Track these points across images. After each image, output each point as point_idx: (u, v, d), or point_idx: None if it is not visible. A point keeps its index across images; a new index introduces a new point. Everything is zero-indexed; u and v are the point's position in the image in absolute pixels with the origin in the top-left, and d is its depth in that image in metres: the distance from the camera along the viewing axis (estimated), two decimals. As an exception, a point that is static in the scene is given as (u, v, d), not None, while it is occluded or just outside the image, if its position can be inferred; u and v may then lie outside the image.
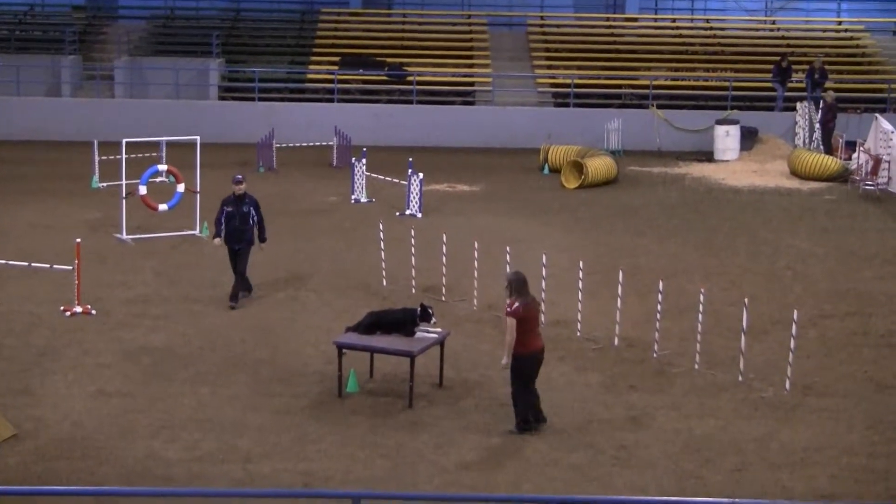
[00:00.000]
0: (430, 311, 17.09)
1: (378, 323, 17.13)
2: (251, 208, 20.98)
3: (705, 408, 16.72)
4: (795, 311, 17.67)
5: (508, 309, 15.34)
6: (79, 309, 20.51)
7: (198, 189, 26.60)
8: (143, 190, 25.71)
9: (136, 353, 18.54)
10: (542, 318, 19.80)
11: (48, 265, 21.58)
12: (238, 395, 16.91)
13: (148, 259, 24.34)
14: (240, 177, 21.31)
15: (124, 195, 25.91)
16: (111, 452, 14.85)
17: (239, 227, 20.86)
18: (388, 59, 43.60)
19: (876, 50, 45.84)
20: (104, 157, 31.66)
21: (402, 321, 17.01)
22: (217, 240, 21.27)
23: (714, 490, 13.89)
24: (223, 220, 20.92)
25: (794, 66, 42.10)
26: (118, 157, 26.79)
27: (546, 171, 36.06)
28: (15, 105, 40.37)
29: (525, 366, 15.40)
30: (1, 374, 17.47)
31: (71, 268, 20.81)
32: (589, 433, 15.77)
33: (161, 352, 18.69)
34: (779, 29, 47.22)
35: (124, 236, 25.75)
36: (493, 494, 13.79)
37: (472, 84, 43.58)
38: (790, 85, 41.70)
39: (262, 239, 21.33)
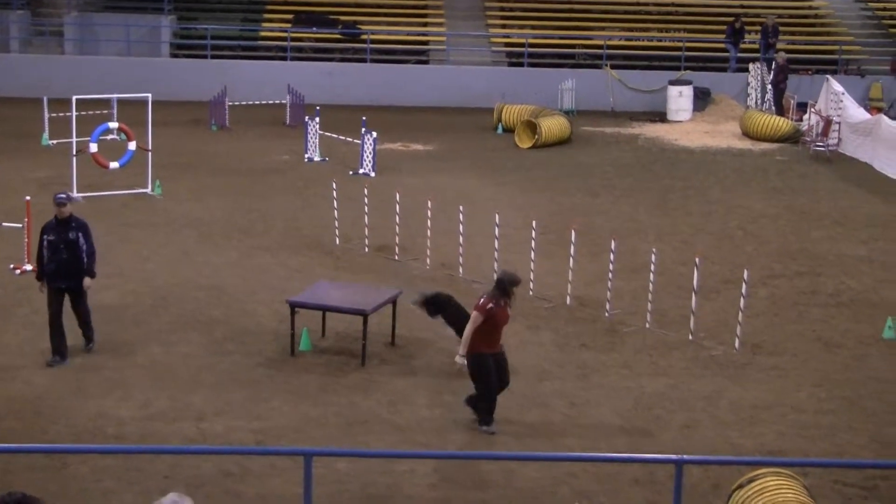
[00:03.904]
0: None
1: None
2: (79, 234, 16.13)
3: (656, 366, 16.91)
4: (746, 271, 17.84)
5: (478, 303, 14.48)
6: (29, 267, 20.29)
7: (150, 147, 26.49)
8: (94, 147, 25.61)
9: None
10: (495, 275, 19.92)
11: (-2, 222, 21.46)
12: (191, 354, 16.91)
13: (99, 217, 24.15)
14: (62, 196, 16.37)
15: (75, 153, 25.74)
16: (63, 411, 14.82)
17: (67, 259, 16.06)
18: (342, 17, 43.42)
19: (828, 11, 46.03)
20: (54, 115, 31.34)
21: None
22: (41, 283, 16.54)
23: (664, 447, 14.03)
24: (46, 254, 16.18)
25: (746, 28, 42.25)
26: (69, 114, 26.54)
27: (500, 130, 36.12)
28: (-37, 61, 40.03)
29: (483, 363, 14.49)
30: (-49, 332, 17.41)
31: (21, 226, 20.69)
32: (541, 391, 15.89)
33: (112, 310, 18.55)
34: (732, -10, 47.34)
35: (75, 194, 25.55)
36: (446, 452, 13.91)
37: (426, 43, 43.44)
38: (743, 46, 41.85)
39: (90, 273, 16.36)
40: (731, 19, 42.57)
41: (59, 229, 16.12)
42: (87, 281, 16.37)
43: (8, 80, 39.10)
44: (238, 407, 15.08)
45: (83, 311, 16.56)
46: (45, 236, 16.20)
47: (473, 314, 14.35)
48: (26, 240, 20.45)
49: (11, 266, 20.38)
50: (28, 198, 21.21)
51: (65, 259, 16.08)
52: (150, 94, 27.09)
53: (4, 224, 21.30)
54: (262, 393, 15.55)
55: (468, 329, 14.31)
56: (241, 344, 17.28)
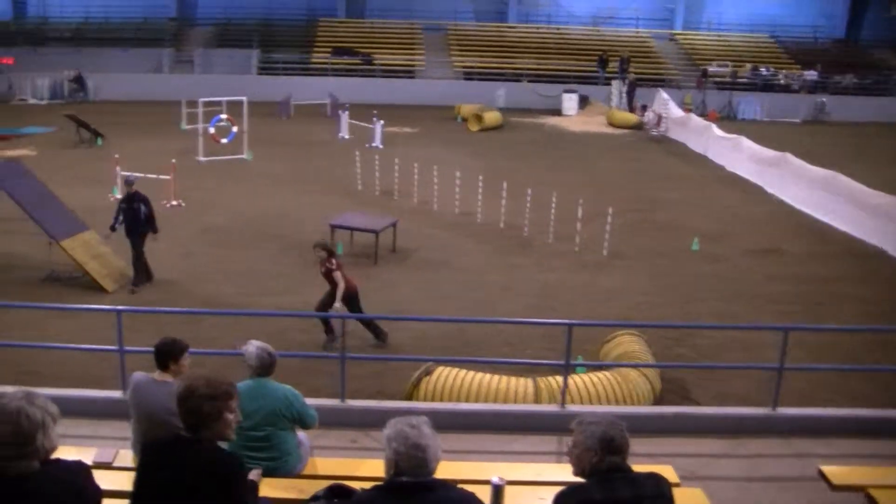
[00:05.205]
0: None
1: None
2: (140, 205, 14.62)
3: (554, 265, 16.68)
4: (610, 208, 17.62)
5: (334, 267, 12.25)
6: (175, 202, 20.00)
7: (245, 129, 25.98)
8: (212, 130, 25.18)
9: (208, 230, 18.13)
10: (456, 209, 19.65)
11: (156, 175, 20.94)
12: (268, 256, 16.59)
13: (214, 171, 23.79)
14: (131, 179, 15.13)
15: (200, 133, 25.27)
16: (193, 291, 14.58)
17: (129, 220, 14.68)
18: (362, 50, 42.63)
19: (659, 50, 45.46)
20: (188, 110, 30.71)
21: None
22: (111, 231, 14.84)
23: (560, 315, 13.85)
24: (120, 215, 14.79)
25: (610, 58, 41.75)
26: (197, 110, 26.06)
27: (459, 120, 35.63)
28: (136, 79, 39.18)
29: None
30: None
31: (169, 177, 20.28)
32: (485, 278, 15.70)
33: (221, 228, 18.28)
34: (601, 34, 46.58)
35: (201, 158, 25.17)
36: (423, 316, 13.71)
37: (413, 66, 42.75)
38: (607, 70, 41.37)
39: (154, 230, 14.81)
40: (600, 52, 42.05)
41: (128, 200, 14.71)
42: (154, 236, 14.81)
43: (161, 90, 38.33)
44: (296, 288, 14.79)
45: (135, 257, 14.69)
46: (121, 204, 14.81)
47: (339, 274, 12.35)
48: (173, 186, 20.04)
49: (163, 201, 19.88)
50: (174, 160, 20.82)
51: (129, 220, 14.62)
52: (245, 98, 26.53)
53: (161, 176, 20.74)
54: (312, 280, 15.19)
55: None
56: (298, 250, 16.89)
